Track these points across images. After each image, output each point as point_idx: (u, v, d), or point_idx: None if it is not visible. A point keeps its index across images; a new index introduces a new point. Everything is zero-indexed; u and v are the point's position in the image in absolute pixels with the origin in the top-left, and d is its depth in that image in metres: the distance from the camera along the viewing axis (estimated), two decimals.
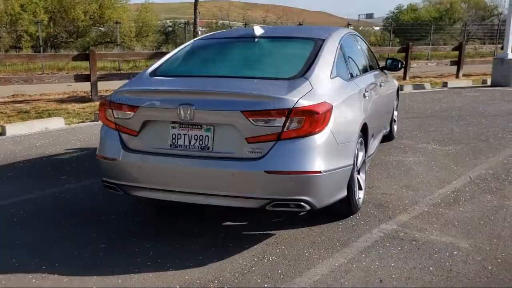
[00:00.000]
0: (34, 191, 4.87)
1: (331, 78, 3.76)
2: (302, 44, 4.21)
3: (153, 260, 3.42)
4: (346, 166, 3.61)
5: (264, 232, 3.87)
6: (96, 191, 4.89)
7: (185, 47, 4.47)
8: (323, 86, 3.55)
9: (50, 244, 3.69)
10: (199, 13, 21.04)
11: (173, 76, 3.94)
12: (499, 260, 3.36)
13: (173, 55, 4.33)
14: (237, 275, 3.21)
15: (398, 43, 31.75)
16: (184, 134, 3.43)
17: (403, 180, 5.13)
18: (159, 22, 37.71)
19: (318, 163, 3.27)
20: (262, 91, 3.35)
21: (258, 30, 4.31)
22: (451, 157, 6.03)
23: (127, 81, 4.16)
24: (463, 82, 14.85)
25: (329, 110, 3.37)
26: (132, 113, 3.52)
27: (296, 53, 4.13)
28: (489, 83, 14.25)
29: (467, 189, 4.83)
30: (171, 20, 53.34)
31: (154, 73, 4.01)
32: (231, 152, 3.32)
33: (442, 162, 5.78)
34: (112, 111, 3.65)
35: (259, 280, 3.14)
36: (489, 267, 3.27)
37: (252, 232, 3.88)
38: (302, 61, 3.84)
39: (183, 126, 3.42)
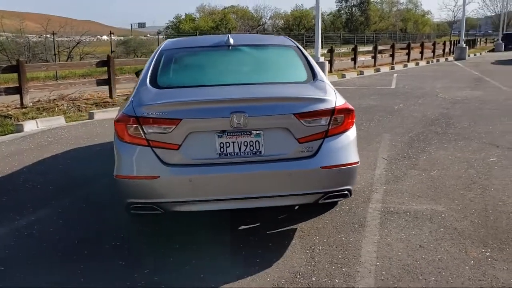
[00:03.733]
0: None
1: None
2: (283, 51, 4.51)
3: (217, 274, 3.35)
4: None
5: (284, 228, 4.08)
6: (60, 222, 4.34)
7: (160, 56, 4.24)
8: (332, 87, 3.95)
9: (86, 280, 3.27)
10: None
11: (188, 86, 3.79)
12: (475, 215, 4.27)
13: (156, 65, 4.10)
14: (309, 267, 3.42)
15: None
16: (233, 142, 3.44)
17: None
18: None
19: (356, 155, 3.68)
20: (311, 94, 3.60)
21: (231, 39, 4.41)
22: None
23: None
24: None
25: None
26: (173, 126, 3.36)
27: (284, 59, 4.40)
28: None
29: (394, 168, 5.77)
30: None
31: (156, 86, 3.82)
32: (284, 153, 3.48)
33: None
34: (141, 127, 3.40)
35: (333, 267, 3.40)
36: (476, 221, 4.14)
37: (275, 231, 4.04)
38: (300, 66, 4.16)
39: (231, 134, 3.42)
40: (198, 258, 3.56)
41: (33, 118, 9.56)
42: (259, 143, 3.46)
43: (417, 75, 18.72)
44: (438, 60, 28.10)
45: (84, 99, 11.96)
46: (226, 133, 3.43)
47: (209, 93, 3.63)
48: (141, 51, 35.28)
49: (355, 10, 70.53)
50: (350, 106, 3.67)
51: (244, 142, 3.45)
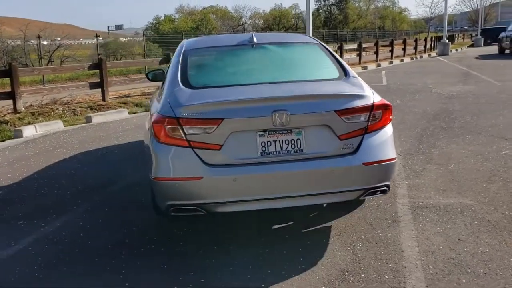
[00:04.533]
0: (10, 244, 3.94)
1: None
2: (308, 48, 4.49)
3: (263, 274, 3.31)
4: None
5: (319, 226, 4.06)
6: (87, 227, 4.24)
7: (186, 57, 4.18)
8: (366, 83, 3.94)
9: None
10: None
11: (224, 86, 3.72)
12: (504, 207, 4.31)
13: (183, 66, 4.03)
14: (354, 263, 3.40)
15: (162, 52, 31.14)
16: (274, 141, 3.40)
17: None
18: None
19: (394, 151, 3.67)
20: (351, 90, 3.58)
21: (255, 37, 4.37)
22: None
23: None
24: None
25: None
26: (215, 127, 3.31)
27: (311, 56, 4.38)
28: None
29: (410, 163, 5.79)
30: None
31: (190, 86, 3.75)
32: (325, 151, 3.45)
33: None
34: (182, 128, 3.34)
35: (378, 263, 3.39)
36: (507, 213, 4.18)
37: (310, 229, 4.02)
38: (329, 62, 4.15)
39: (272, 132, 3.39)
40: (240, 259, 3.52)
41: (29, 123, 9.36)
42: (300, 141, 3.43)
43: (405, 72, 18.90)
44: (421, 56, 28.42)
45: (77, 103, 11.76)
46: (268, 132, 3.39)
47: (248, 92, 3.58)
48: (121, 53, 34.82)
49: (333, 8, 70.90)
50: (387, 102, 3.66)
51: (286, 140, 3.42)
